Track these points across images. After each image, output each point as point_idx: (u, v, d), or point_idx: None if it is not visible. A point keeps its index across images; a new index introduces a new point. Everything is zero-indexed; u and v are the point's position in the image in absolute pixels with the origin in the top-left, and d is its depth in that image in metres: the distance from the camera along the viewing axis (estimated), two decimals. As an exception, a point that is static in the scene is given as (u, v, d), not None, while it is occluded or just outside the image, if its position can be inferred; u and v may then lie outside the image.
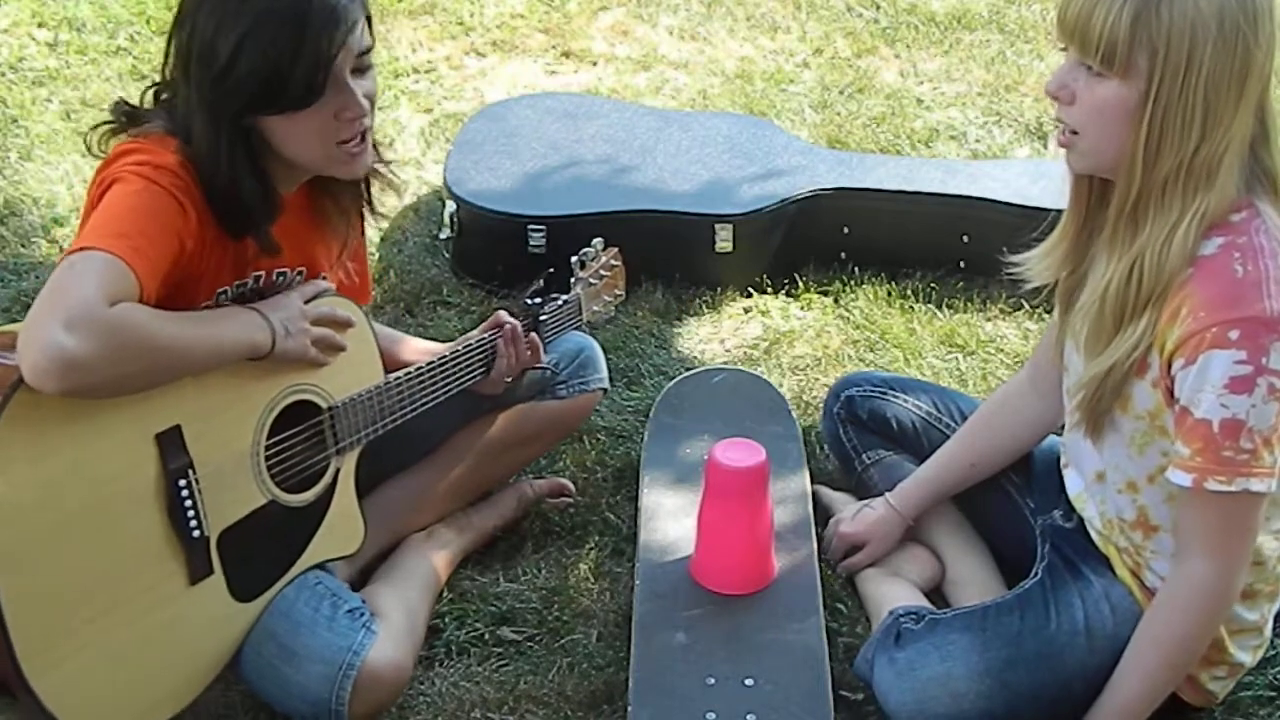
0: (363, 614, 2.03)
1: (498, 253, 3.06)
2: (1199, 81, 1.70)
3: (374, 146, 2.02)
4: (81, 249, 1.69)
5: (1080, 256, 1.94)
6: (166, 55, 1.87)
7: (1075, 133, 1.81)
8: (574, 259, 2.47)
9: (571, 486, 2.52)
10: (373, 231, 3.27)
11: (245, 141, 1.85)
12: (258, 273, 1.96)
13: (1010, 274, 2.06)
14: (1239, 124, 1.73)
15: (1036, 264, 2.01)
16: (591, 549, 2.42)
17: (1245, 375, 1.72)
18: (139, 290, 1.70)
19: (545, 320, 2.34)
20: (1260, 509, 1.81)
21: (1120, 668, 1.93)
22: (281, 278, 2.00)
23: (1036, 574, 2.05)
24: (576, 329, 2.46)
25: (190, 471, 1.84)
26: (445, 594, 2.29)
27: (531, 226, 3.01)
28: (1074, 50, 1.77)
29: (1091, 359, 1.87)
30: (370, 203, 2.13)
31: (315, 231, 2.07)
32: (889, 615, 2.08)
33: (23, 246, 3.14)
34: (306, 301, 1.97)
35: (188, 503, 1.84)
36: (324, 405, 2.02)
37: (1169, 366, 1.78)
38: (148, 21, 4.09)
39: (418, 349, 2.33)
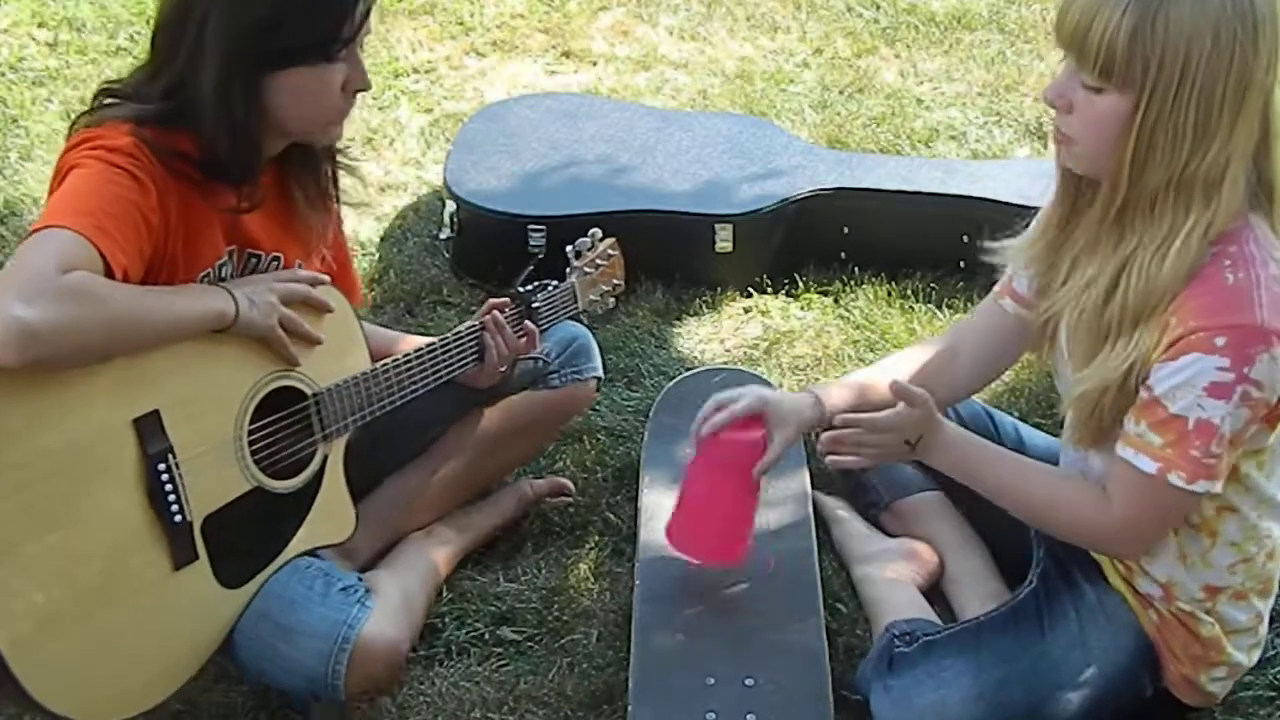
0: (357, 590, 2.04)
1: (498, 253, 3.06)
2: (1191, 95, 1.67)
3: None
4: (42, 228, 1.71)
5: (1056, 254, 1.92)
6: (160, 24, 1.90)
7: (1072, 138, 1.80)
8: (569, 248, 2.47)
9: (571, 486, 2.52)
10: (373, 231, 3.27)
11: (254, 96, 1.88)
12: (230, 247, 1.97)
13: (989, 259, 2.06)
14: (1239, 137, 1.70)
15: (1015, 253, 2.01)
16: (591, 549, 2.42)
17: (1226, 382, 1.71)
18: (103, 266, 1.72)
19: (539, 307, 2.34)
20: (1194, 507, 1.83)
21: (1014, 456, 2.01)
22: (255, 260, 2.02)
23: (1031, 581, 2.04)
24: (573, 318, 2.46)
25: (170, 456, 1.85)
26: (445, 594, 2.29)
27: (531, 226, 3.01)
28: (1071, 61, 1.75)
29: (1080, 370, 1.85)
30: (338, 194, 2.15)
31: (286, 222, 2.08)
32: (884, 633, 2.08)
33: (23, 246, 3.14)
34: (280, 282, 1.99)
35: (168, 487, 1.85)
36: (308, 391, 2.03)
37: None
38: (147, 21, 4.08)
39: (416, 345, 2.34)
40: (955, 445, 1.98)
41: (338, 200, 2.16)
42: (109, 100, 1.92)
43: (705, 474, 2.18)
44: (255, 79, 1.87)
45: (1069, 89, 1.76)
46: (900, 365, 2.16)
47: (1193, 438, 1.74)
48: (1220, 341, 1.70)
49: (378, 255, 3.20)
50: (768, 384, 2.64)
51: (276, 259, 2.04)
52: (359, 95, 1.98)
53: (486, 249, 3.10)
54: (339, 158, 2.12)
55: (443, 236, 3.20)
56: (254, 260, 2.01)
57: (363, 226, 3.29)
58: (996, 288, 2.13)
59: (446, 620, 2.25)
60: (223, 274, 1.96)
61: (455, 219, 3.12)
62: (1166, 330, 1.74)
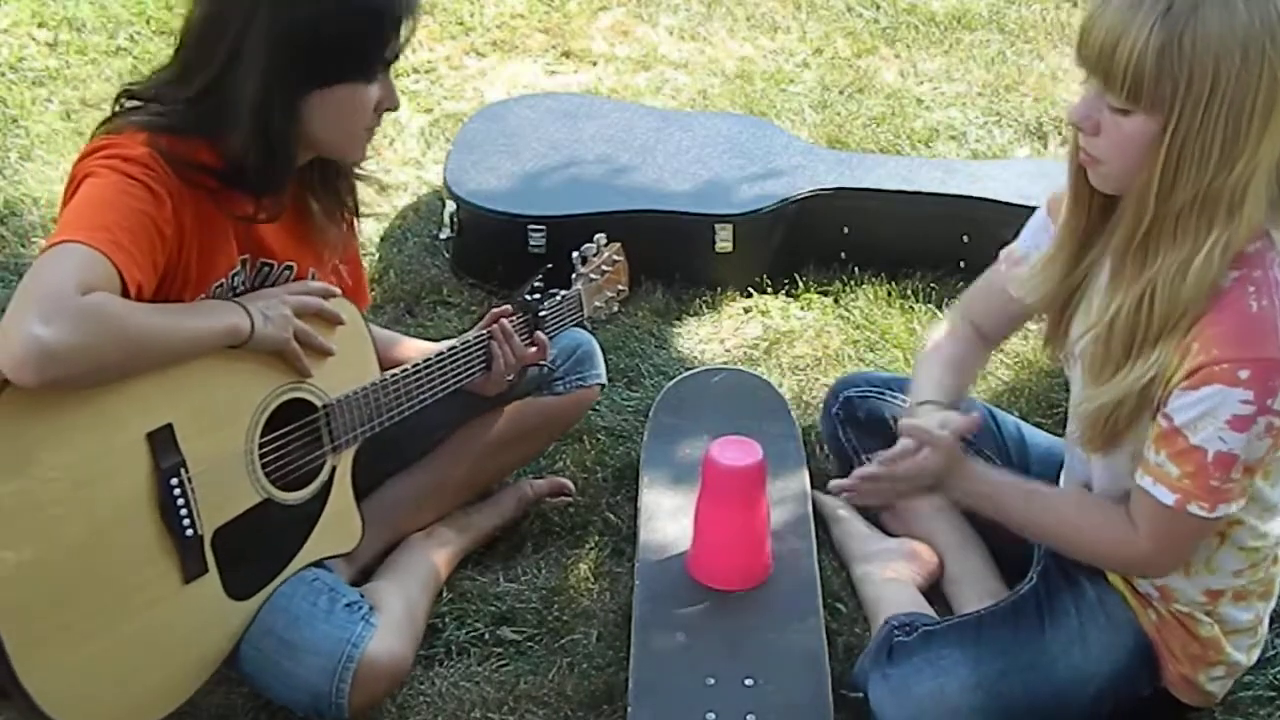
0: (361, 607, 2.04)
1: (498, 253, 3.06)
2: (1220, 112, 1.63)
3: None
4: (59, 242, 1.70)
5: (1074, 266, 1.90)
6: (193, 29, 1.89)
7: (1099, 159, 1.76)
8: (575, 254, 2.47)
9: (571, 486, 2.52)
10: (373, 231, 3.27)
11: (294, 112, 1.88)
12: (244, 256, 1.96)
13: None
14: (1265, 150, 1.66)
15: (1029, 282, 1.96)
16: (591, 549, 2.42)
17: (1248, 415, 1.69)
18: (119, 282, 1.71)
19: (545, 316, 2.34)
20: (1218, 527, 1.83)
21: (1036, 489, 1.97)
22: (267, 268, 2.01)
23: (1031, 579, 2.04)
24: (578, 325, 2.46)
25: (182, 470, 1.84)
26: (445, 594, 2.29)
27: (531, 226, 3.01)
28: (1096, 84, 1.70)
29: (1096, 386, 1.83)
30: (357, 208, 2.15)
31: (301, 232, 2.07)
32: (883, 625, 2.08)
33: (22, 246, 3.14)
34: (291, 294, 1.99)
35: (180, 501, 1.85)
36: (318, 403, 2.03)
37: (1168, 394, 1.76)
38: (148, 21, 4.09)
39: (417, 349, 2.33)
40: (978, 482, 1.96)
41: (357, 214, 2.16)
42: (129, 103, 1.90)
43: (716, 508, 2.19)
44: (297, 96, 1.87)
45: (1095, 110, 1.72)
46: (942, 369, 2.12)
47: (1212, 469, 1.73)
48: (1244, 374, 1.68)
49: (378, 255, 3.20)
50: (768, 384, 2.65)
51: (289, 269, 2.04)
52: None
53: (486, 249, 3.10)
54: (357, 169, 2.11)
55: (443, 236, 3.20)
56: (266, 269, 2.01)
57: (363, 226, 3.28)
58: (1002, 267, 2.08)
59: (446, 620, 2.25)
60: (235, 283, 1.96)
61: (455, 219, 3.12)
62: (1188, 356, 1.72)
